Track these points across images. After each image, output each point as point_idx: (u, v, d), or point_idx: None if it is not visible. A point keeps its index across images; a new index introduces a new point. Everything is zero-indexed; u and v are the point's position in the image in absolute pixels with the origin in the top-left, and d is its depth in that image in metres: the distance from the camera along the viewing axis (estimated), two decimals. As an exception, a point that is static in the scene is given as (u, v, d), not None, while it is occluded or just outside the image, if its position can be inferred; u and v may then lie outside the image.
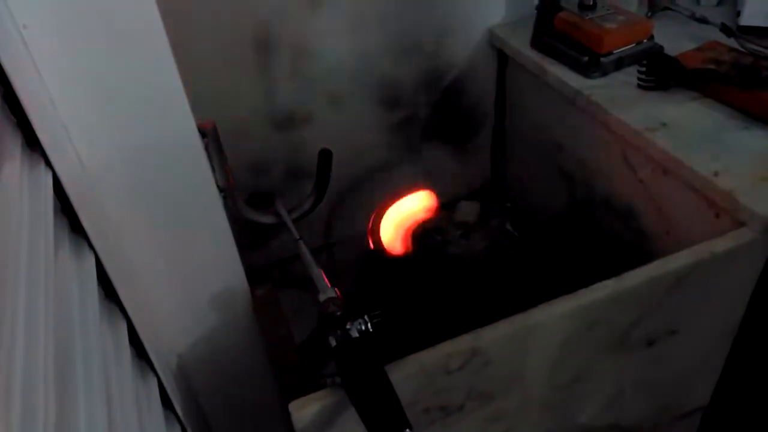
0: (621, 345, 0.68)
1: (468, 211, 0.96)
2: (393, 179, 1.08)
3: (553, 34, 0.92)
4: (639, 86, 0.84)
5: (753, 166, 0.69)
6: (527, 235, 0.93)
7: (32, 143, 0.50)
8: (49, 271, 0.43)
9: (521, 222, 0.96)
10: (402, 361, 0.57)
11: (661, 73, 0.82)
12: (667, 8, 0.97)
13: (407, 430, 0.48)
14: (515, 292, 0.87)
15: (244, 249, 0.76)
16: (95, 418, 0.43)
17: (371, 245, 0.92)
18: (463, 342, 0.59)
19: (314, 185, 0.86)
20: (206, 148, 0.66)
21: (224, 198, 0.71)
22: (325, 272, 0.65)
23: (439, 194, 0.95)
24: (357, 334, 0.56)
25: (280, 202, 0.84)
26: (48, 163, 0.50)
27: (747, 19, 0.94)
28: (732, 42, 0.88)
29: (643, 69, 0.82)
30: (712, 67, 0.82)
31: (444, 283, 0.91)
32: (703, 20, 0.93)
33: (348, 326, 0.57)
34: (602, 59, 0.86)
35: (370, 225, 0.93)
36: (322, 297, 0.61)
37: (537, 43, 0.94)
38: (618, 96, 0.83)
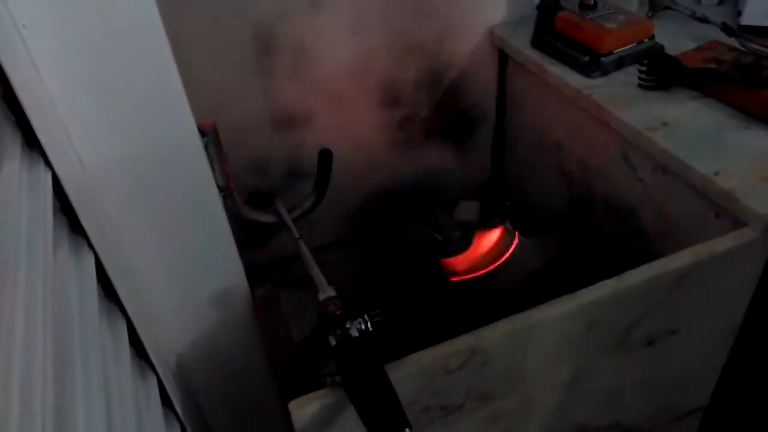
0: (621, 345, 0.68)
1: (468, 210, 0.96)
2: (393, 179, 1.08)
3: (553, 33, 0.92)
4: (639, 86, 0.83)
5: (753, 165, 0.69)
6: (527, 234, 0.93)
7: (32, 143, 0.50)
8: (48, 270, 0.43)
9: (521, 221, 0.96)
10: (402, 361, 0.57)
11: (662, 72, 0.82)
12: (667, 8, 0.96)
13: (407, 429, 0.48)
14: (515, 291, 0.87)
15: (244, 248, 0.76)
16: (94, 417, 0.43)
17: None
18: (463, 342, 0.59)
19: (314, 185, 0.86)
20: (206, 148, 0.66)
21: (224, 197, 0.71)
22: (324, 272, 0.65)
23: (439, 193, 0.95)
24: (357, 334, 0.56)
25: (280, 201, 0.84)
26: (47, 163, 0.51)
27: (748, 18, 0.94)
28: (733, 41, 0.88)
29: (644, 68, 0.82)
30: (712, 66, 0.82)
31: (444, 283, 0.91)
32: (703, 20, 0.93)
33: (348, 325, 0.57)
34: (603, 59, 0.86)
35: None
36: (321, 296, 0.61)
37: (537, 42, 0.94)
38: (618, 95, 0.83)
